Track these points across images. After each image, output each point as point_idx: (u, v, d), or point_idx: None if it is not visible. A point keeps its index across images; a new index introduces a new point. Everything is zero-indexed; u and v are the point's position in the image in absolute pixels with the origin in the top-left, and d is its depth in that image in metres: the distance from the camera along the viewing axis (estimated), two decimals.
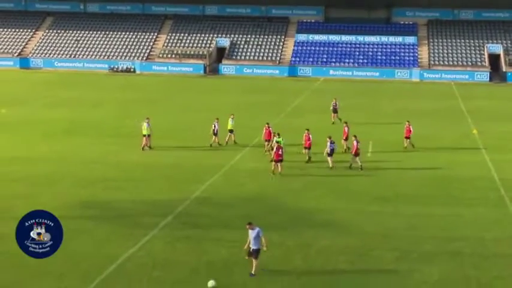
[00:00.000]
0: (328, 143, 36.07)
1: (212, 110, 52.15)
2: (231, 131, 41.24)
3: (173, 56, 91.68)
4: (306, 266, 22.23)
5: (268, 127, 39.24)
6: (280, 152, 34.13)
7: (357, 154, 35.72)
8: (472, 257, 23.49)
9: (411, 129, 40.98)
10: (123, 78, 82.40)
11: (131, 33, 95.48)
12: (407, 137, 41.06)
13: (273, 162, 34.43)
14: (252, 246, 21.33)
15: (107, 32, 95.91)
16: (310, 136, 37.14)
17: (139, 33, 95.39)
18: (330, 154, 36.00)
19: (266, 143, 39.09)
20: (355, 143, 35.80)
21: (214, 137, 40.51)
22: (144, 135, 39.48)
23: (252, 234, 21.37)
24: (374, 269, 22.14)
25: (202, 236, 24.91)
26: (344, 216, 27.88)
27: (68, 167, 35.50)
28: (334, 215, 28.11)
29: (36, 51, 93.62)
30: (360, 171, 35.09)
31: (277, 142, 35.66)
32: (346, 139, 39.59)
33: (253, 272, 21.26)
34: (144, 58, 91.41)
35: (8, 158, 37.13)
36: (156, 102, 60.60)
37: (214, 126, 40.50)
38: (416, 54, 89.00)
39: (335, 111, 50.04)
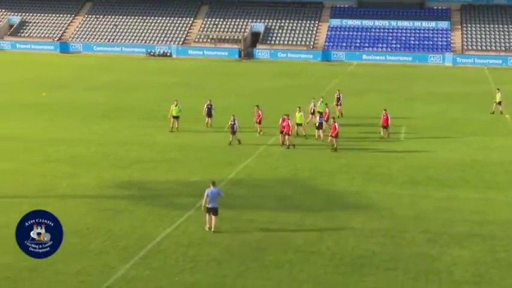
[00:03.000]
0: (318, 117, 38.97)
1: (246, 94, 52.73)
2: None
3: (209, 40, 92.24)
4: (338, 248, 22.55)
5: (257, 110, 40.07)
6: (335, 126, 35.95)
7: (336, 135, 36.11)
8: (503, 240, 23.57)
9: (388, 117, 39.22)
10: (160, 62, 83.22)
11: (168, 18, 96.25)
12: (384, 126, 39.39)
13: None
14: (214, 205, 23.45)
15: (145, 17, 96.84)
16: (336, 124, 36.95)
17: (176, 18, 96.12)
18: (318, 127, 38.56)
19: (257, 124, 39.92)
20: (336, 124, 36.19)
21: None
22: (174, 117, 40.31)
23: (212, 193, 23.49)
24: (405, 251, 22.39)
25: (236, 216, 25.43)
26: (376, 198, 28.22)
27: (106, 148, 36.36)
28: (366, 197, 28.47)
29: (76, 36, 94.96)
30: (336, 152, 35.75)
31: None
32: (327, 120, 39.96)
33: (213, 229, 23.49)
34: (180, 43, 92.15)
35: (50, 140, 38.12)
36: (192, 86, 61.29)
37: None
38: (450, 39, 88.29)
39: (338, 101, 46.36)
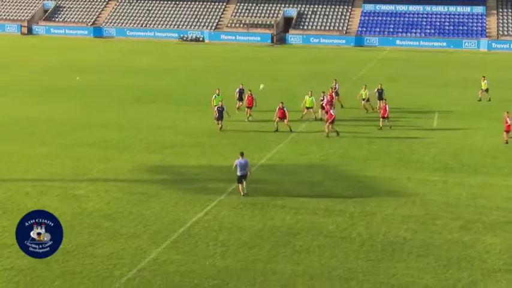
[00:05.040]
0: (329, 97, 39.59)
1: (279, 79, 52.58)
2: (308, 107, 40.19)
3: (241, 25, 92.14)
4: (369, 234, 22.50)
5: (251, 94, 40.06)
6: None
7: (333, 121, 35.94)
8: None
9: (387, 108, 38.04)
10: (192, 47, 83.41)
11: (200, 3, 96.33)
12: (384, 117, 38.14)
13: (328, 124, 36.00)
14: (243, 173, 25.84)
15: (177, 2, 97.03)
16: (332, 111, 36.97)
17: (209, 3, 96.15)
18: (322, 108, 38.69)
19: (247, 109, 39.93)
20: (332, 111, 36.08)
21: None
22: (216, 106, 38.47)
23: (241, 163, 25.80)
24: (437, 238, 22.24)
25: (267, 202, 25.48)
26: (408, 185, 28.04)
27: (138, 132, 36.61)
28: (398, 183, 28.31)
29: (109, 21, 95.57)
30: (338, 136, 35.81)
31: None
32: (323, 108, 39.19)
33: (245, 192, 25.96)
34: (213, 27, 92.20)
35: (83, 123, 38.51)
36: (225, 71, 61.34)
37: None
38: (485, 24, 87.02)
39: (337, 94, 43.69)
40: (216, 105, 37.98)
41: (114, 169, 29.72)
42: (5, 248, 20.91)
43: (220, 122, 36.97)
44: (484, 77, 48.27)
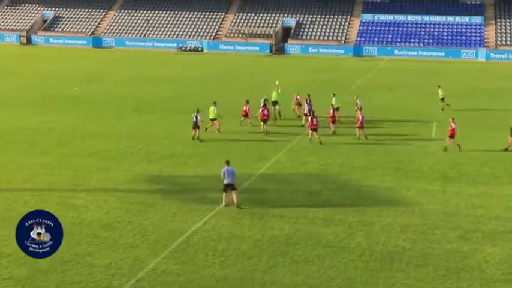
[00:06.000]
0: (306, 104, 40.45)
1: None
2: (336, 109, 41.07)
3: (240, 35, 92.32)
4: (368, 244, 22.46)
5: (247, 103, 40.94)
6: (314, 122, 36.67)
7: (315, 129, 36.76)
8: None
9: (360, 118, 37.68)
10: (191, 57, 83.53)
11: (199, 13, 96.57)
12: (359, 127, 37.77)
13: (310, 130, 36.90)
14: (230, 181, 25.52)
15: (176, 12, 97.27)
16: (360, 116, 37.47)
17: (208, 13, 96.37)
18: (307, 115, 39.42)
19: (243, 118, 40.84)
20: (314, 120, 36.86)
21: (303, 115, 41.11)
22: (211, 119, 38.80)
23: (228, 170, 25.59)
24: (436, 248, 22.21)
25: (266, 211, 25.44)
26: (407, 194, 28.04)
27: (137, 142, 36.59)
28: (397, 193, 28.30)
29: (108, 31, 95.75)
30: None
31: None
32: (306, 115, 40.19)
33: (236, 205, 25.51)
34: (212, 37, 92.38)
35: (82, 133, 38.50)
36: (223, 81, 61.42)
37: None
38: (483, 34, 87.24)
39: (299, 104, 44.13)
40: (211, 119, 38.55)
41: (113, 179, 29.71)
42: (4, 257, 20.86)
43: (195, 130, 37.11)
44: (439, 86, 48.44)
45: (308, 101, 41.58)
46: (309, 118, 37.68)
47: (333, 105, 39.87)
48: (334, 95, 43.19)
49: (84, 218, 24.52)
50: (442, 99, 47.58)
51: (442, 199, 27.48)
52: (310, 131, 37.07)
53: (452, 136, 35.33)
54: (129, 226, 23.77)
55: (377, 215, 25.34)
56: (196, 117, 37.02)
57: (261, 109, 39.66)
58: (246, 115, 40.84)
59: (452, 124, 35.38)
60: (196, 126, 37.04)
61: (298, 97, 43.91)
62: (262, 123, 39.19)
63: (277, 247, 22.06)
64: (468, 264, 21.05)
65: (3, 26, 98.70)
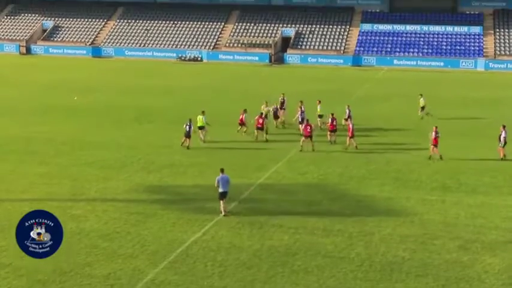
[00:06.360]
0: (299, 112, 41.04)
1: (277, 99, 52.51)
2: (320, 116, 42.80)
3: (239, 45, 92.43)
4: (368, 254, 22.46)
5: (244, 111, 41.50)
6: (309, 129, 37.07)
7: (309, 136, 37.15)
8: None
9: (351, 127, 37.80)
10: (191, 67, 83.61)
11: (199, 23, 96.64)
12: (351, 136, 37.73)
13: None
14: (225, 189, 25.86)
15: (176, 22, 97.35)
16: (351, 126, 38.02)
17: (207, 23, 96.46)
18: (301, 122, 40.04)
19: (240, 127, 41.35)
20: (308, 127, 37.26)
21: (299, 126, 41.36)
22: (199, 128, 39.16)
23: (222, 178, 25.93)
24: (435, 258, 22.22)
25: (265, 221, 25.43)
26: (406, 204, 28.03)
27: (136, 152, 36.58)
28: (396, 203, 28.29)
29: (108, 41, 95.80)
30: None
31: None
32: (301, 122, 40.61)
33: (227, 211, 25.97)
34: (211, 47, 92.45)
35: (81, 143, 38.49)
36: (222, 91, 61.44)
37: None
38: (482, 44, 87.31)
39: (282, 108, 45.34)
40: (199, 127, 39.10)
41: (112, 189, 29.70)
42: (3, 268, 20.83)
43: (186, 139, 37.62)
44: (421, 95, 48.56)
45: (302, 109, 41.91)
46: (302, 126, 37.82)
47: (332, 114, 39.79)
48: (319, 102, 43.71)
49: (83, 228, 24.49)
50: (423, 108, 47.79)
51: (442, 209, 27.47)
52: (303, 138, 37.11)
53: (435, 145, 35.43)
54: (128, 236, 23.75)
55: (376, 225, 25.33)
56: (189, 127, 37.49)
57: (256, 117, 40.00)
58: (242, 124, 41.09)
59: (434, 133, 35.50)
60: (188, 135, 37.52)
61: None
62: (256, 130, 39.79)
63: (276, 257, 22.04)
64: (468, 274, 21.03)
65: (3, 35, 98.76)
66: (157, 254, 22.13)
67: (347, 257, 22.19)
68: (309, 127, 37.26)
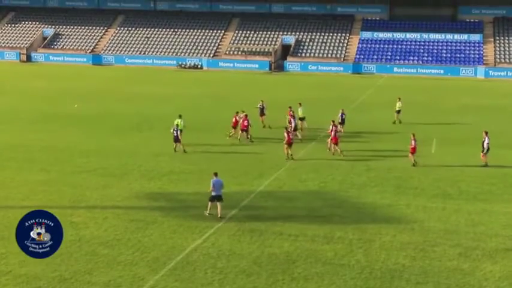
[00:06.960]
0: (292, 120, 41.33)
1: (277, 106, 52.62)
2: (301, 118, 43.99)
3: (239, 53, 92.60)
4: (368, 261, 22.42)
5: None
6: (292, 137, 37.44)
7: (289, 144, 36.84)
8: None
9: (332, 132, 38.02)
10: (191, 75, 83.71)
11: (199, 31, 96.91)
12: (336, 143, 37.95)
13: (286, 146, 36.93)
14: (218, 193, 26.31)
15: (176, 30, 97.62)
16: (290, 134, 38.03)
17: (207, 31, 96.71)
18: (295, 129, 40.87)
19: (233, 130, 42.17)
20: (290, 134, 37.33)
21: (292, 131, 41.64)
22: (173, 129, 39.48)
23: (217, 182, 26.36)
24: (436, 265, 22.19)
25: (266, 229, 25.41)
26: (406, 211, 28.01)
27: (137, 159, 36.59)
28: (397, 210, 28.27)
29: (108, 48, 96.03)
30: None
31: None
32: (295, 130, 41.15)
33: (220, 215, 26.23)
34: (211, 55, 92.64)
35: (82, 151, 38.48)
36: (222, 98, 61.48)
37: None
38: (482, 52, 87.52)
39: (262, 113, 46.37)
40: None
41: (112, 196, 29.68)
42: (3, 275, 20.79)
43: (177, 144, 38.35)
44: (399, 98, 48.62)
45: (293, 115, 42.47)
46: (287, 133, 37.05)
47: (333, 121, 39.70)
48: (300, 104, 44.25)
49: (83, 235, 24.46)
50: (398, 112, 47.80)
51: (442, 216, 27.45)
52: (287, 146, 36.85)
53: (413, 152, 35.51)
54: (129, 243, 23.72)
55: (377, 232, 25.30)
56: (177, 131, 38.34)
57: (242, 118, 41.19)
58: (235, 127, 41.99)
59: (413, 142, 35.66)
60: (177, 140, 38.34)
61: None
62: (241, 132, 41.03)
63: (276, 264, 22.00)
64: (468, 281, 20.99)
65: (3, 43, 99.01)
66: (158, 261, 22.09)
67: (347, 264, 22.14)
68: (291, 134, 37.62)
